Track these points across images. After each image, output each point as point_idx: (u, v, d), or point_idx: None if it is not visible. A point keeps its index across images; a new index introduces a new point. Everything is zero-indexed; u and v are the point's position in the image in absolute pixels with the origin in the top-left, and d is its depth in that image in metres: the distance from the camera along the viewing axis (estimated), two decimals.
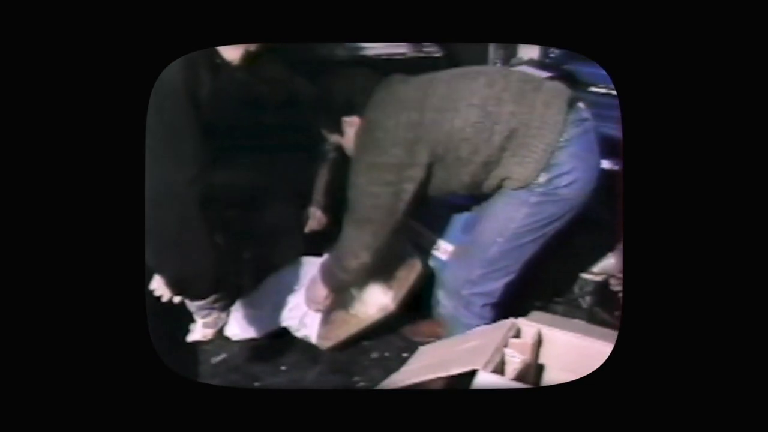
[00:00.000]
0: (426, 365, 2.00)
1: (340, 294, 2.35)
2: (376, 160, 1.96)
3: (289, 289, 2.46)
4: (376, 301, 2.46)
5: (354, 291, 2.45)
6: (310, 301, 2.35)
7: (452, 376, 1.82)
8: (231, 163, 2.36)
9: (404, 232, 2.38)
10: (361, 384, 2.35)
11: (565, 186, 1.97)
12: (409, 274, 2.48)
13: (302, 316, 2.43)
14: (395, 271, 2.46)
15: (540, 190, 1.98)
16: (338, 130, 2.08)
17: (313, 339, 2.45)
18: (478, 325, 2.16)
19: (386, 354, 2.49)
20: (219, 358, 2.41)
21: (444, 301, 2.25)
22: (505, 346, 1.87)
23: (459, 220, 2.48)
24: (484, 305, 2.18)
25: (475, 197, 2.23)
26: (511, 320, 1.99)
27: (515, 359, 1.85)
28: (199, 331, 2.05)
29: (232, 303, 2.17)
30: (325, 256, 2.31)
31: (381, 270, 2.39)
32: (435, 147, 1.95)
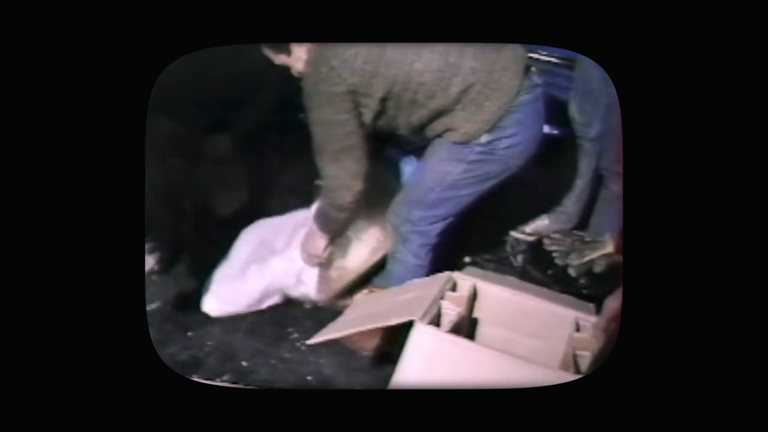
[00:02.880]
0: (363, 316, 2.01)
1: (338, 239, 2.32)
2: (334, 90, 1.93)
3: (269, 249, 2.40)
4: (374, 238, 2.41)
5: (351, 234, 2.40)
6: (309, 255, 2.32)
7: (389, 327, 1.84)
8: (175, 112, 2.35)
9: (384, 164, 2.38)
10: (295, 335, 2.34)
11: (504, 148, 2.02)
12: None
13: (298, 273, 2.38)
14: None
15: (479, 149, 2.02)
16: (285, 49, 2.02)
17: (313, 295, 2.41)
18: (413, 264, 2.22)
19: (320, 305, 2.47)
20: (153, 306, 2.37)
21: (391, 237, 2.28)
22: (442, 298, 1.89)
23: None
24: (422, 245, 2.21)
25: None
26: (447, 273, 2.02)
27: (451, 312, 1.88)
28: None
29: (166, 251, 2.12)
30: (314, 207, 2.27)
31: (373, 208, 2.36)
32: (392, 85, 1.94)
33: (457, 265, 2.39)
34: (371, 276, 2.44)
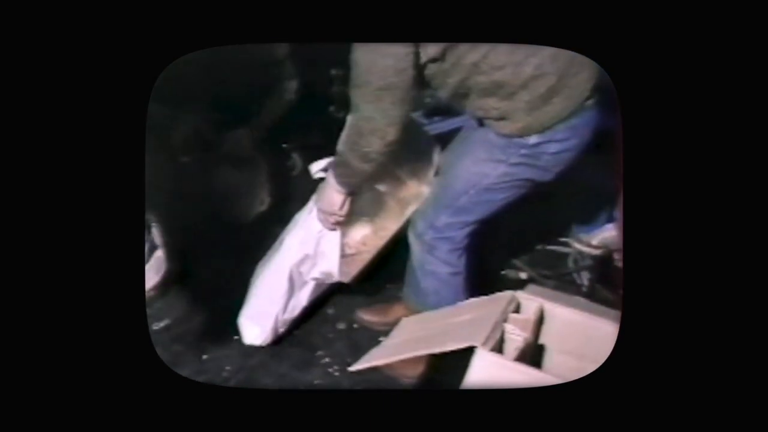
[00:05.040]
0: (413, 339, 1.79)
1: (356, 196, 2.02)
2: None
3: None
4: (411, 192, 2.11)
5: (377, 192, 2.13)
6: (324, 213, 2.01)
7: (444, 354, 1.62)
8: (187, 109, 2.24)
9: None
10: (326, 360, 2.14)
11: (551, 153, 1.86)
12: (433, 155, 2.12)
13: (317, 240, 2.05)
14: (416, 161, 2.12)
15: (524, 151, 1.85)
16: None
17: (335, 272, 2.09)
18: (446, 273, 2.05)
19: (355, 325, 2.26)
20: (161, 325, 2.15)
21: (413, 246, 2.08)
22: (505, 321, 1.69)
23: None
24: (451, 251, 2.03)
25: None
26: (509, 293, 1.80)
27: (517, 337, 1.67)
28: None
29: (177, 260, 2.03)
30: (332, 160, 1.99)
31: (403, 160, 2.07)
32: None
33: (500, 267, 2.33)
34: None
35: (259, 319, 2.10)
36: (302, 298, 2.14)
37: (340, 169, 1.91)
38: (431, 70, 1.77)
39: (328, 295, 2.28)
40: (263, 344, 2.11)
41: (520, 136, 1.82)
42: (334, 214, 1.99)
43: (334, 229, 2.04)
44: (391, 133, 1.77)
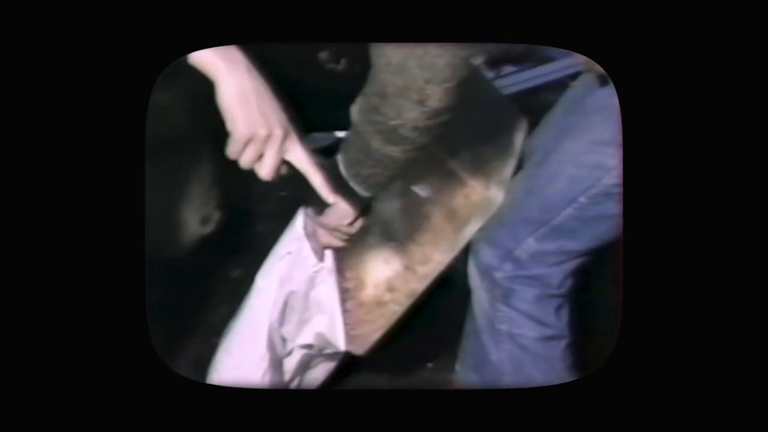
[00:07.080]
0: None
1: (378, 203, 1.44)
2: None
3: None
4: (473, 199, 1.55)
5: (424, 193, 1.56)
6: (328, 228, 1.41)
7: None
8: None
9: None
10: None
11: None
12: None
13: (311, 276, 1.43)
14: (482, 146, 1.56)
15: None
16: None
17: (339, 339, 1.49)
18: (536, 337, 1.55)
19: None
20: None
21: (476, 291, 1.55)
22: None
23: None
24: (544, 298, 1.52)
25: None
26: None
27: None
28: None
29: None
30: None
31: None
32: None
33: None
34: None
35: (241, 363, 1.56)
36: (300, 373, 1.56)
37: (354, 155, 1.37)
38: None
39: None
40: None
41: None
42: (340, 232, 1.43)
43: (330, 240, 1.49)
44: (436, 96, 1.26)
